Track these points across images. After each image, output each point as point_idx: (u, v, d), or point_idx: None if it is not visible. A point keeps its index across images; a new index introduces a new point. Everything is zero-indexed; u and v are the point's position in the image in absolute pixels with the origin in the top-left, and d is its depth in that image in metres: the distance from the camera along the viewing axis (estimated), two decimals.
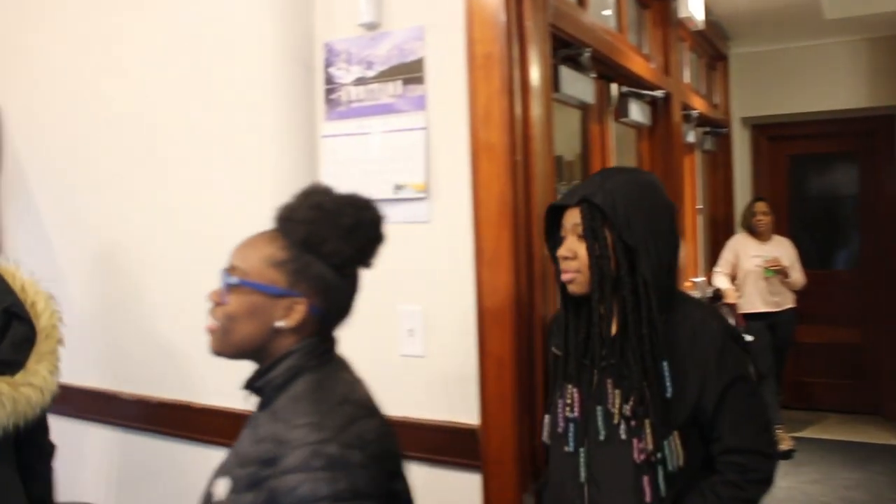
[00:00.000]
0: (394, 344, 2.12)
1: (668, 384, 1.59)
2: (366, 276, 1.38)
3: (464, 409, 2.00)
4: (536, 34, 2.06)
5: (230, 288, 1.34)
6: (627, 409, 1.61)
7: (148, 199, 2.51)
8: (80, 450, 2.64)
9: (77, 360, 2.71)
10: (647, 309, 1.62)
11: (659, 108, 3.96)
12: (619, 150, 3.57)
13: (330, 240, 1.31)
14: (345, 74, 2.19)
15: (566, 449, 1.68)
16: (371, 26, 2.14)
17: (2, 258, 2.14)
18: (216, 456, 2.27)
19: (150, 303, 2.52)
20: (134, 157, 2.53)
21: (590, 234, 1.65)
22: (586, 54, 2.68)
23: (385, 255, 2.25)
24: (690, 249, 4.73)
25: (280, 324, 1.32)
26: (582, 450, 1.66)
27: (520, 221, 1.94)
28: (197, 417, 2.36)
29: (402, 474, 1.37)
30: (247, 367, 1.38)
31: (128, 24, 2.53)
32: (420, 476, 1.53)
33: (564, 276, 1.70)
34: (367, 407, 1.33)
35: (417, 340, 2.04)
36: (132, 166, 2.53)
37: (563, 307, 1.77)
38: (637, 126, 3.88)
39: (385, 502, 1.26)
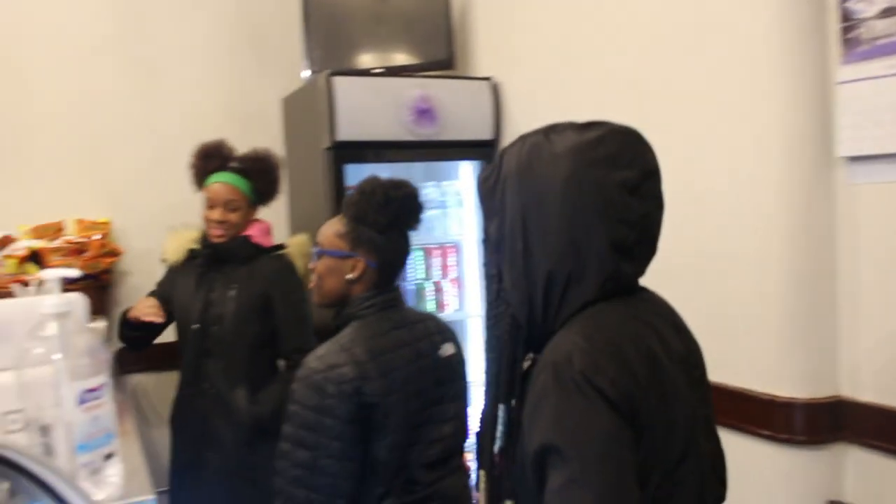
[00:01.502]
0: None
1: (497, 433, 1.20)
2: None
3: None
4: None
5: (317, 256, 1.91)
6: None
7: None
8: None
9: None
10: (492, 325, 1.25)
11: None
12: None
13: (370, 213, 1.83)
14: (866, 7, 1.86)
15: None
16: None
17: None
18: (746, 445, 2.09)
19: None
20: (624, 120, 2.49)
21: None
22: None
23: None
24: None
25: (349, 276, 1.86)
26: None
27: None
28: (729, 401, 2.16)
29: (384, 427, 1.76)
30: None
31: None
32: None
33: None
34: (368, 353, 1.76)
35: None
36: None
37: None
38: None
39: (351, 428, 1.71)
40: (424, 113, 2.93)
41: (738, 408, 2.09)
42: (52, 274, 1.31)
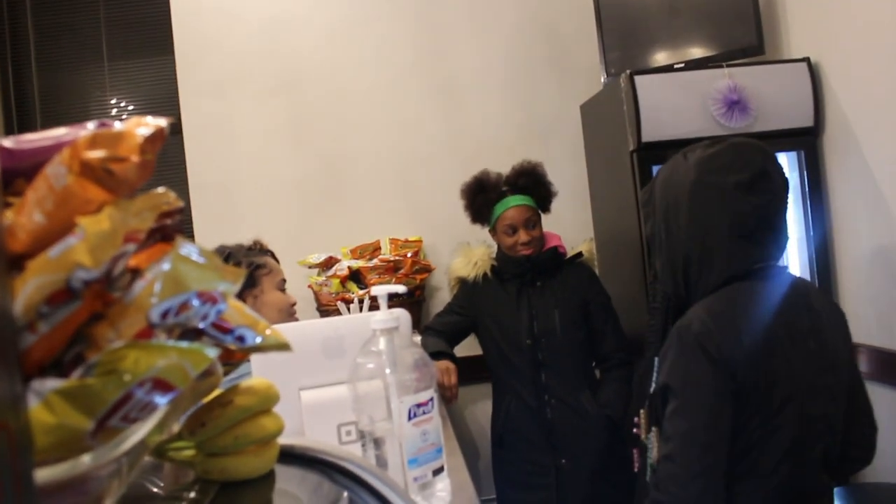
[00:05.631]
0: None
1: (653, 378, 1.61)
2: None
3: None
4: None
5: None
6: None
7: None
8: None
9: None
10: (651, 300, 1.73)
11: None
12: None
13: None
14: None
15: None
16: None
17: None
18: None
19: None
20: None
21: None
22: None
23: None
24: None
25: None
26: None
27: None
28: None
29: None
30: None
31: None
32: None
33: None
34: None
35: None
36: None
37: None
38: None
39: None
40: (735, 104, 2.70)
41: None
42: (381, 290, 1.33)
